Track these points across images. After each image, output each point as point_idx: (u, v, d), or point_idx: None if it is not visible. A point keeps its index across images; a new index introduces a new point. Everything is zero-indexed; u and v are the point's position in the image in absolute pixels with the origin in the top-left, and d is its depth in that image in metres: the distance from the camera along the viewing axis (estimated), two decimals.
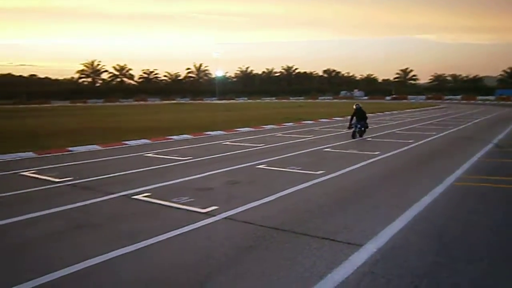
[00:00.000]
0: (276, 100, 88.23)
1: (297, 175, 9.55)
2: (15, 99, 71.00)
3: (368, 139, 16.83)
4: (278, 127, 23.15)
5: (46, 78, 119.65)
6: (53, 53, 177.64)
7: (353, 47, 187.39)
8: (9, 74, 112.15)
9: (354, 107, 17.13)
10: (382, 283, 4.21)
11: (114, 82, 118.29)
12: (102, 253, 4.96)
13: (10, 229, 6.05)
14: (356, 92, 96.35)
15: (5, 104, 64.68)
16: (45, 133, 20.06)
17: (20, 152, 13.36)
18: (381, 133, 19.25)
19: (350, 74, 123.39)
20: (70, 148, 14.38)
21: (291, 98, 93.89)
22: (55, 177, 9.53)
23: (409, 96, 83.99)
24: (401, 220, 6.17)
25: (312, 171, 9.88)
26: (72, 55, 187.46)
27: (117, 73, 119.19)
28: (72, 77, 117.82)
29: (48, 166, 11.08)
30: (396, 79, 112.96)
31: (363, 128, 17.06)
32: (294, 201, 7.42)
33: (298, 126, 23.83)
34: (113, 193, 7.97)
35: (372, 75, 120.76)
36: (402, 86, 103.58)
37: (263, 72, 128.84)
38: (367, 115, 17.43)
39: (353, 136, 16.69)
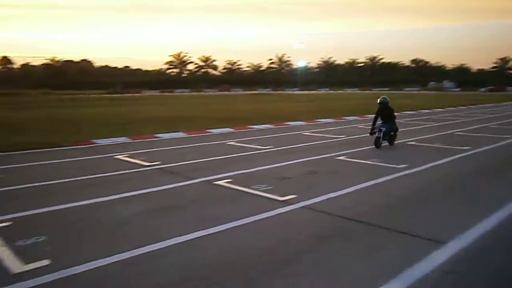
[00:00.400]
0: (359, 91, 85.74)
1: (378, 168, 9.30)
2: (111, 89, 76.90)
3: (458, 133, 15.80)
4: (360, 118, 22.56)
5: (138, 69, 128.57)
6: (145, 46, 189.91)
7: (444, 34, 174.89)
8: (106, 66, 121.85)
9: (378, 101, 12.56)
10: (465, 282, 4.01)
11: (199, 73, 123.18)
12: (184, 233, 5.28)
13: (104, 207, 6.65)
14: (446, 83, 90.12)
15: (102, 94, 70.29)
16: (137, 120, 21.54)
17: (115, 137, 14.54)
18: (473, 127, 17.95)
19: (440, 64, 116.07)
20: (158, 135, 15.33)
21: (374, 89, 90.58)
22: (145, 161, 10.25)
23: (509, 88, 76.70)
24: (491, 220, 5.77)
25: (394, 164, 9.55)
26: (161, 48, 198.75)
27: (202, 64, 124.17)
28: (161, 68, 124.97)
29: (139, 151, 11.92)
30: (493, 69, 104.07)
31: (392, 133, 12.44)
32: (374, 193, 7.26)
33: None
34: (196, 178, 8.39)
35: (464, 64, 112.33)
36: (500, 77, 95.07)
37: (346, 62, 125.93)
38: (395, 113, 12.68)
39: (377, 144, 11.96)
